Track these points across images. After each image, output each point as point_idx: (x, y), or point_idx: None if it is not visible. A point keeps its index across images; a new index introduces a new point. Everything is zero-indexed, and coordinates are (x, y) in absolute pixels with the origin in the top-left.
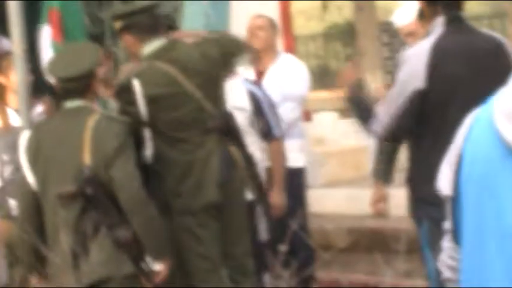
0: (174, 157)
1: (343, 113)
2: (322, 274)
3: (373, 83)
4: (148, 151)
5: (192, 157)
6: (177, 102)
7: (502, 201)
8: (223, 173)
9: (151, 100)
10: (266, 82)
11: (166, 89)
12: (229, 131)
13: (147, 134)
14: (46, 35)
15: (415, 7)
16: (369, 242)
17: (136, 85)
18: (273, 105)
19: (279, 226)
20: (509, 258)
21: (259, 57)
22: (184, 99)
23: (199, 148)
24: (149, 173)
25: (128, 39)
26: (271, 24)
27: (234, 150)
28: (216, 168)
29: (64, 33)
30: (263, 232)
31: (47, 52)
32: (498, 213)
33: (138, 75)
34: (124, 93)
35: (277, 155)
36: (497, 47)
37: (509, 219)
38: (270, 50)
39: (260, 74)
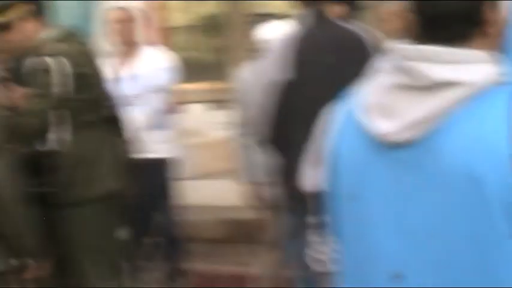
0: (74, 145)
1: (214, 104)
2: (193, 266)
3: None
4: (53, 136)
5: (90, 145)
6: (91, 82)
7: (374, 195)
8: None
9: (76, 79)
10: (129, 74)
11: (85, 69)
12: (116, 122)
13: (54, 118)
14: None
15: (280, 25)
16: (241, 233)
17: (66, 63)
18: None
19: (144, 218)
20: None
21: (122, 50)
22: (94, 81)
23: (95, 135)
24: (41, 164)
25: (34, 25)
26: (132, 16)
27: (119, 141)
28: (112, 158)
29: None
30: None
31: None
32: (371, 205)
33: (64, 54)
34: (45, 74)
35: None
36: (356, 41)
37: (375, 209)
38: (131, 42)
39: (123, 66)
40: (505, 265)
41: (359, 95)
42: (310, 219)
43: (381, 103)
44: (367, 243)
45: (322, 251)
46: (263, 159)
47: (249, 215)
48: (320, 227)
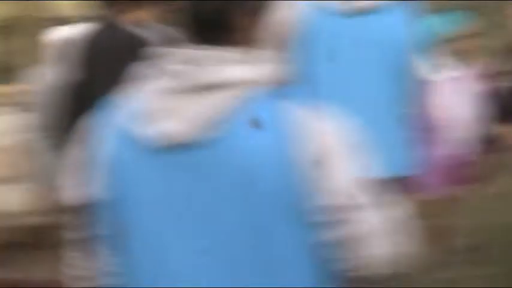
0: None
1: (6, 108)
2: None
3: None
4: None
5: None
6: None
7: (152, 200)
8: None
9: None
10: None
11: None
12: None
13: None
14: None
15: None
16: (27, 239)
17: None
18: None
19: None
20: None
21: None
22: None
23: None
24: None
25: None
26: None
27: None
28: None
29: None
30: None
31: None
32: (151, 211)
33: None
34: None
35: None
36: (140, 47)
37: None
38: None
39: None
40: (284, 262)
41: (129, 101)
42: (70, 234)
43: (153, 108)
44: (151, 251)
45: (82, 267)
46: (55, 163)
47: (38, 220)
48: (82, 241)
